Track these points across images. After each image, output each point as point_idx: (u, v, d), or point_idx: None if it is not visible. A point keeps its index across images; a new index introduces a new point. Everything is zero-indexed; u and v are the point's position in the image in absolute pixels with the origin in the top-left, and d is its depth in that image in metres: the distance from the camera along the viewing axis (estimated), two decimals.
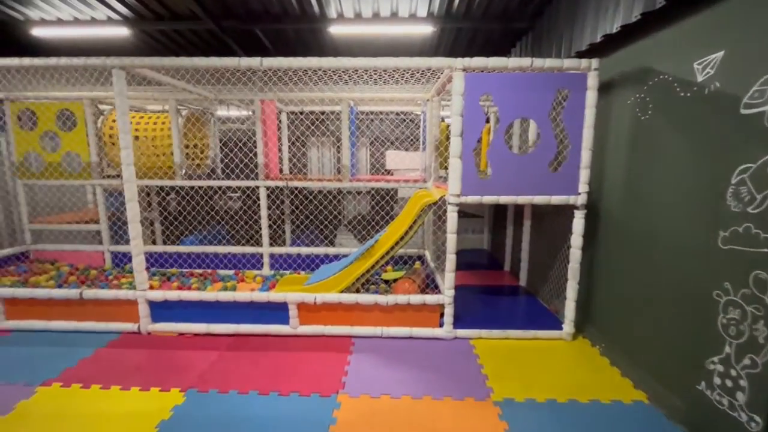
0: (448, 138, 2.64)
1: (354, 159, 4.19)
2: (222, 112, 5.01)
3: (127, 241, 4.15)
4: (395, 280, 3.57)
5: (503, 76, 2.39)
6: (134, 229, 2.58)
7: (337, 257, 3.98)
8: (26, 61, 2.41)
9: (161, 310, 2.71)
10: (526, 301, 3.30)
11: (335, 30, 3.97)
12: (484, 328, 2.68)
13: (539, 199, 2.47)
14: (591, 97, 2.36)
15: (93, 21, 3.65)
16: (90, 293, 2.66)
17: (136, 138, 3.85)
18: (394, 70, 2.57)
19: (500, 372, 2.27)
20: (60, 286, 3.44)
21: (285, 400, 2.00)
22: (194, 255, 4.02)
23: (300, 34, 4.19)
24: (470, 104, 2.39)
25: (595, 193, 2.55)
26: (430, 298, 2.63)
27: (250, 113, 4.75)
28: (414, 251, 4.10)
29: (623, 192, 2.32)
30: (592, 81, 2.35)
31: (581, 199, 2.46)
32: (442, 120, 3.86)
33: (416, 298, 2.63)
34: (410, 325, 2.67)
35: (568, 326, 2.65)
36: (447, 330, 2.64)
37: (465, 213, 5.12)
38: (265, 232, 3.93)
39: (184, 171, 3.97)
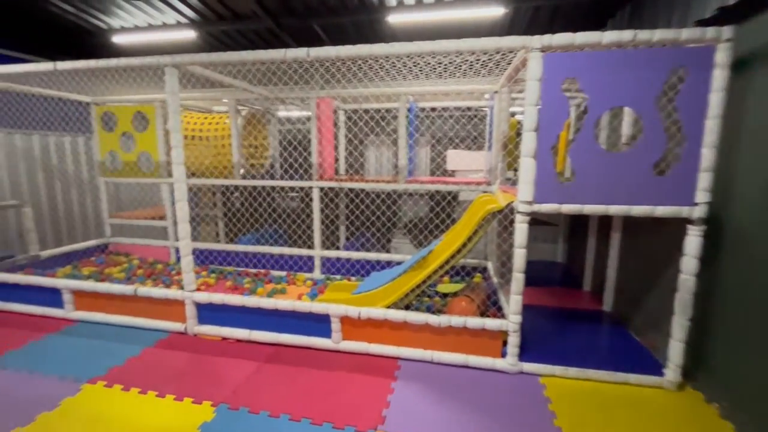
0: (519, 134, 2.22)
1: (413, 159, 3.89)
2: (284, 112, 5.03)
3: (195, 238, 4.32)
4: (453, 294, 3.20)
5: (594, 55, 1.91)
6: (183, 230, 2.55)
7: (390, 264, 3.71)
8: (92, 63, 2.49)
9: (207, 312, 2.66)
10: (613, 331, 2.72)
11: (395, 19, 3.70)
12: (557, 363, 2.21)
13: (639, 210, 1.95)
14: (719, 77, 1.79)
15: (164, 26, 3.80)
16: (143, 291, 2.70)
17: (201, 138, 3.96)
18: (456, 56, 2.21)
19: (578, 424, 1.81)
20: (129, 279, 3.64)
21: (317, 431, 1.77)
22: (250, 254, 4.03)
23: (359, 26, 3.99)
24: (549, 91, 1.95)
25: (718, 204, 1.95)
26: (491, 323, 2.23)
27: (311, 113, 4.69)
28: (475, 261, 3.68)
29: (763, 204, 1.71)
30: (722, 56, 1.77)
31: (699, 212, 1.89)
32: (512, 115, 3.38)
33: (474, 322, 2.25)
34: (466, 352, 2.30)
35: (672, 372, 2.07)
36: (511, 362, 2.22)
37: (536, 219, 4.54)
38: (317, 235, 3.80)
39: (241, 170, 3.99)
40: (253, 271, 4.00)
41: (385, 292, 2.68)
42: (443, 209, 4.46)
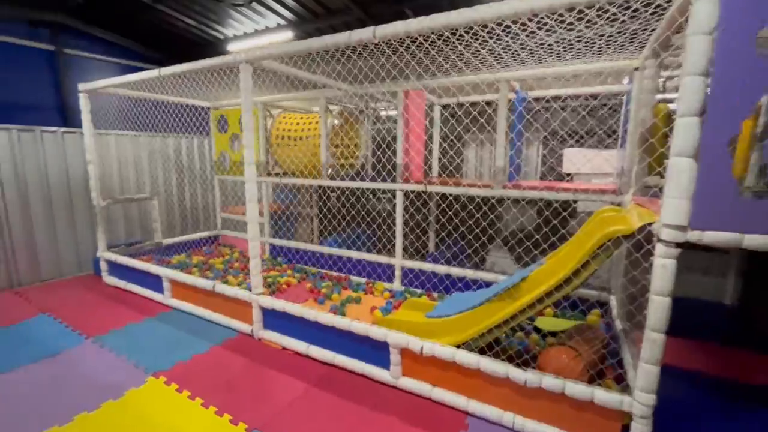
0: (669, 127, 1.50)
1: (514, 159, 3.23)
2: (383, 112, 4.84)
3: (291, 236, 4.45)
4: (554, 333, 2.50)
5: None
6: (252, 230, 2.48)
7: (478, 285, 3.14)
8: (184, 66, 2.60)
9: (272, 319, 2.56)
10: None
11: None
12: None
13: None
14: None
15: (266, 29, 3.93)
16: (220, 287, 2.74)
17: (296, 138, 4.00)
18: (576, 16, 1.59)
19: None
20: (226, 270, 3.87)
21: None
22: (334, 257, 3.92)
23: (455, 5, 3.49)
24: (729, 51, 1.21)
25: None
26: (604, 396, 1.55)
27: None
28: (592, 293, 2.85)
29: None
30: None
31: None
32: (659, 102, 2.47)
33: (578, 389, 1.60)
34: (563, 427, 1.66)
35: None
36: None
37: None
38: (398, 242, 3.46)
39: (329, 171, 3.90)
40: (335, 274, 3.88)
41: (463, 322, 2.18)
42: (556, 221, 3.65)
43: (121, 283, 3.52)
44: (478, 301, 2.27)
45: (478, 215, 3.87)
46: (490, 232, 4.07)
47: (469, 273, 3.17)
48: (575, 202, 3.57)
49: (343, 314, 2.91)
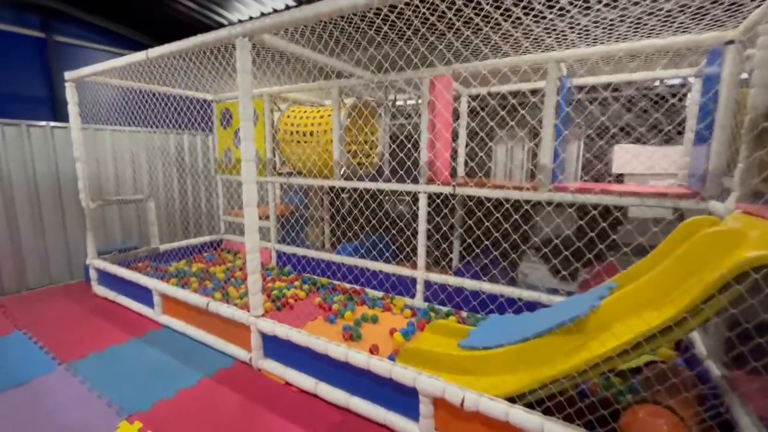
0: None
1: (563, 155, 2.75)
2: (400, 102, 4.40)
3: (298, 242, 4.03)
4: (634, 370, 2.00)
5: None
6: (251, 240, 2.07)
7: (515, 308, 2.67)
8: (173, 46, 2.20)
9: (274, 346, 2.14)
10: None
11: None
12: None
13: None
14: None
15: (274, 12, 3.54)
16: (214, 306, 2.34)
17: (305, 134, 3.59)
18: None
19: None
20: (228, 280, 3.48)
21: None
22: (349, 267, 3.49)
23: None
24: None
25: None
26: None
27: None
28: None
29: None
30: None
31: None
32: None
33: None
34: None
35: None
36: None
37: None
38: (421, 252, 3.01)
39: (343, 170, 3.48)
40: (349, 286, 3.45)
41: (511, 359, 1.74)
42: (596, 227, 3.15)
43: (111, 294, 3.15)
44: (530, 332, 1.82)
45: (511, 221, 3.40)
46: (523, 241, 3.59)
47: (506, 290, 2.70)
48: (626, 208, 3.05)
49: (359, 337, 2.48)
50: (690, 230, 1.72)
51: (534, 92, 3.69)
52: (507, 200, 2.80)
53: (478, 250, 3.01)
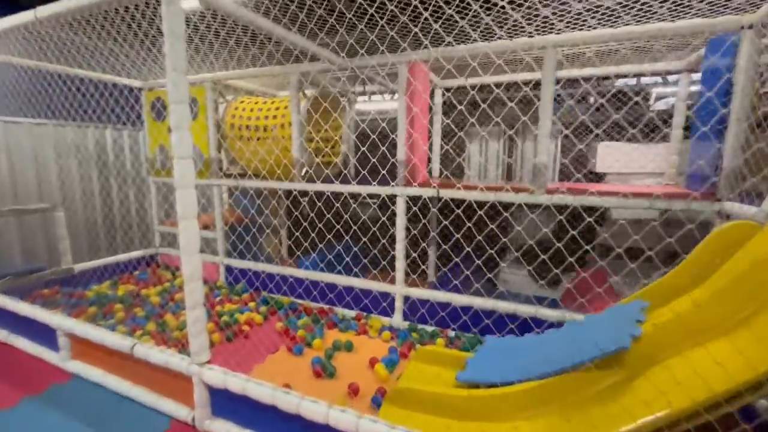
0: None
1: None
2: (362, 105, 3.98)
3: (251, 255, 3.46)
4: None
5: None
6: (189, 265, 1.55)
7: (519, 323, 2.36)
8: (66, 4, 1.62)
9: (224, 401, 1.63)
10: None
11: None
12: None
13: None
14: None
15: None
16: (141, 351, 1.77)
17: (257, 128, 3.05)
18: None
19: None
20: (165, 305, 2.87)
21: None
22: (313, 282, 3.00)
23: None
24: None
25: None
26: None
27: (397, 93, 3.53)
28: None
29: None
30: None
31: None
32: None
33: None
34: None
35: None
36: None
37: None
38: (400, 265, 2.63)
39: (305, 170, 3.00)
40: (315, 306, 2.97)
41: (529, 398, 1.41)
42: (572, 230, 2.95)
43: (2, 335, 2.42)
44: (550, 367, 1.50)
45: (494, 225, 3.11)
46: (502, 247, 3.33)
47: (500, 306, 2.38)
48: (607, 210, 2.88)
49: (332, 374, 2.04)
50: (729, 238, 1.48)
51: (509, 86, 3.44)
52: (484, 203, 2.47)
53: (457, 259, 2.67)
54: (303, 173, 2.94)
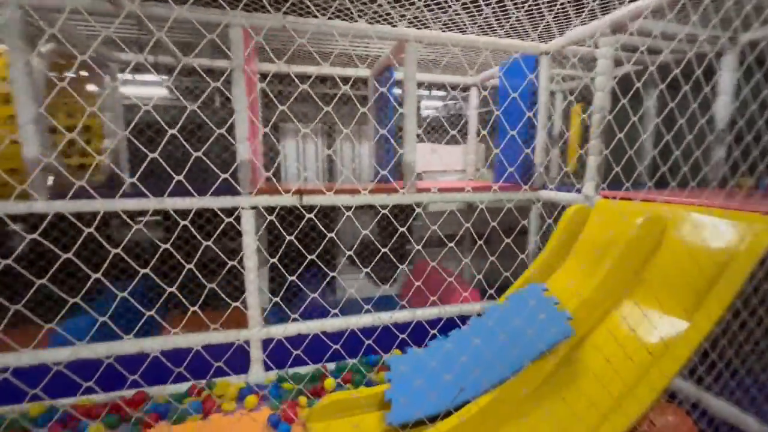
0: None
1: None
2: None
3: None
4: None
5: None
6: None
7: (416, 329, 2.19)
8: None
9: None
10: None
11: None
12: None
13: None
14: None
15: None
16: None
17: None
18: None
19: None
20: None
21: None
22: (93, 361, 1.81)
23: None
24: None
25: None
26: None
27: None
28: None
29: None
30: None
31: None
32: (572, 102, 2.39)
33: None
34: None
35: None
36: None
37: None
38: (253, 301, 1.97)
39: (50, 179, 1.78)
40: (110, 397, 1.83)
41: (479, 423, 1.32)
42: (390, 226, 3.15)
43: None
44: (496, 376, 1.45)
45: (311, 227, 2.85)
46: (332, 253, 3.13)
47: (384, 318, 2.16)
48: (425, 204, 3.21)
49: None
50: (573, 220, 1.85)
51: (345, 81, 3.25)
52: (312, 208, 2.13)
53: (292, 278, 2.26)
54: (48, 183, 1.73)
